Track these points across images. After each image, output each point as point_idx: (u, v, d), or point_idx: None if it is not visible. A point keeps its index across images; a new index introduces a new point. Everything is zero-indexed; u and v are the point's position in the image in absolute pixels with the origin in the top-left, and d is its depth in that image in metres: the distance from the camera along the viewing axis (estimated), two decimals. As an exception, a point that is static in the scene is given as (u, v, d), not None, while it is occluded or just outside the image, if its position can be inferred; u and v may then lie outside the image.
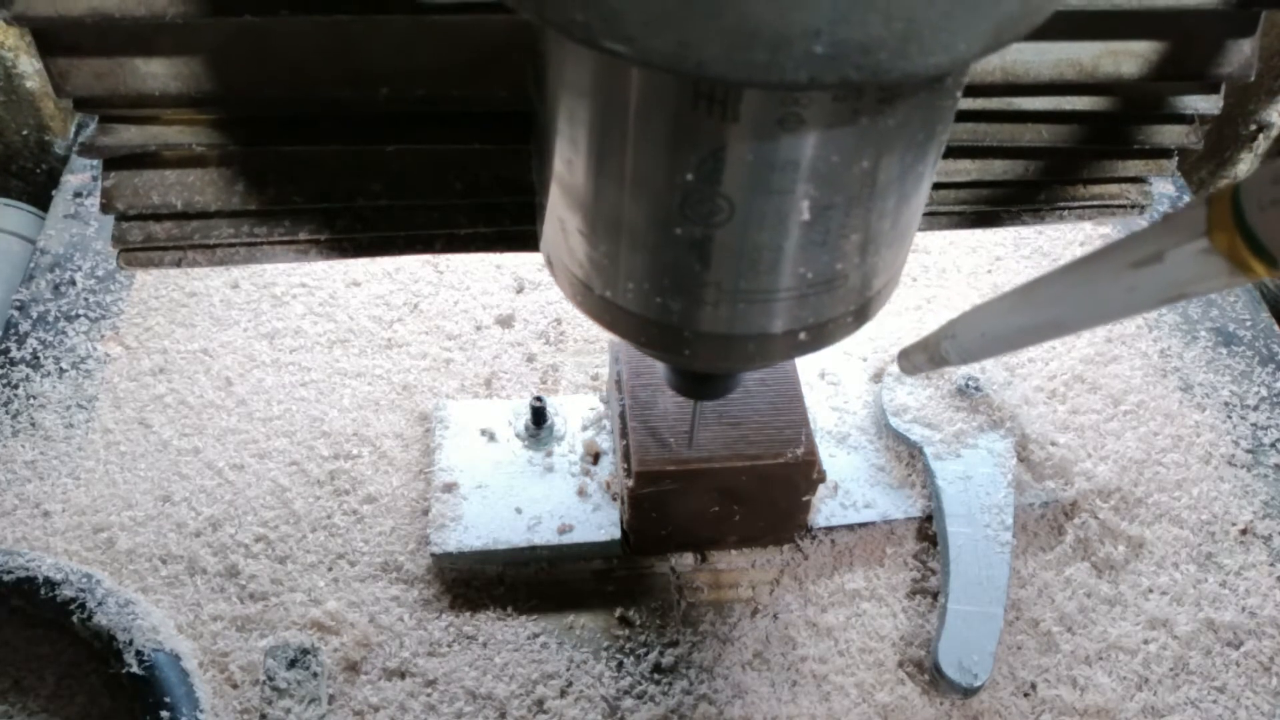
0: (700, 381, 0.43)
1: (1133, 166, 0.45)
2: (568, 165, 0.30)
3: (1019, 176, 0.44)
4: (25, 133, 0.91)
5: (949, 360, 0.55)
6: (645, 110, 0.26)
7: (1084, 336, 0.76)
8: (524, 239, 0.40)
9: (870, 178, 0.28)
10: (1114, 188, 0.46)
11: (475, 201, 0.39)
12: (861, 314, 0.34)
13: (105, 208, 0.36)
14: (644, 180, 0.28)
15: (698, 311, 0.31)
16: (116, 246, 0.38)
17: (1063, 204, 0.45)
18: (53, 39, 0.32)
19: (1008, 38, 0.23)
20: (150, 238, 0.38)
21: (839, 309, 0.32)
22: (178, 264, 0.39)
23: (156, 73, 0.33)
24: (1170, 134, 0.43)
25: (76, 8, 0.29)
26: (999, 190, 0.45)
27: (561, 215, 0.32)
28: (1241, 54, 0.39)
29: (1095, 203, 0.46)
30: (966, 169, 0.43)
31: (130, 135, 0.35)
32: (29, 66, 0.88)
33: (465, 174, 0.38)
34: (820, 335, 0.33)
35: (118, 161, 0.36)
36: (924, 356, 0.57)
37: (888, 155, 0.27)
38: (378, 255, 0.40)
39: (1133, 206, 0.46)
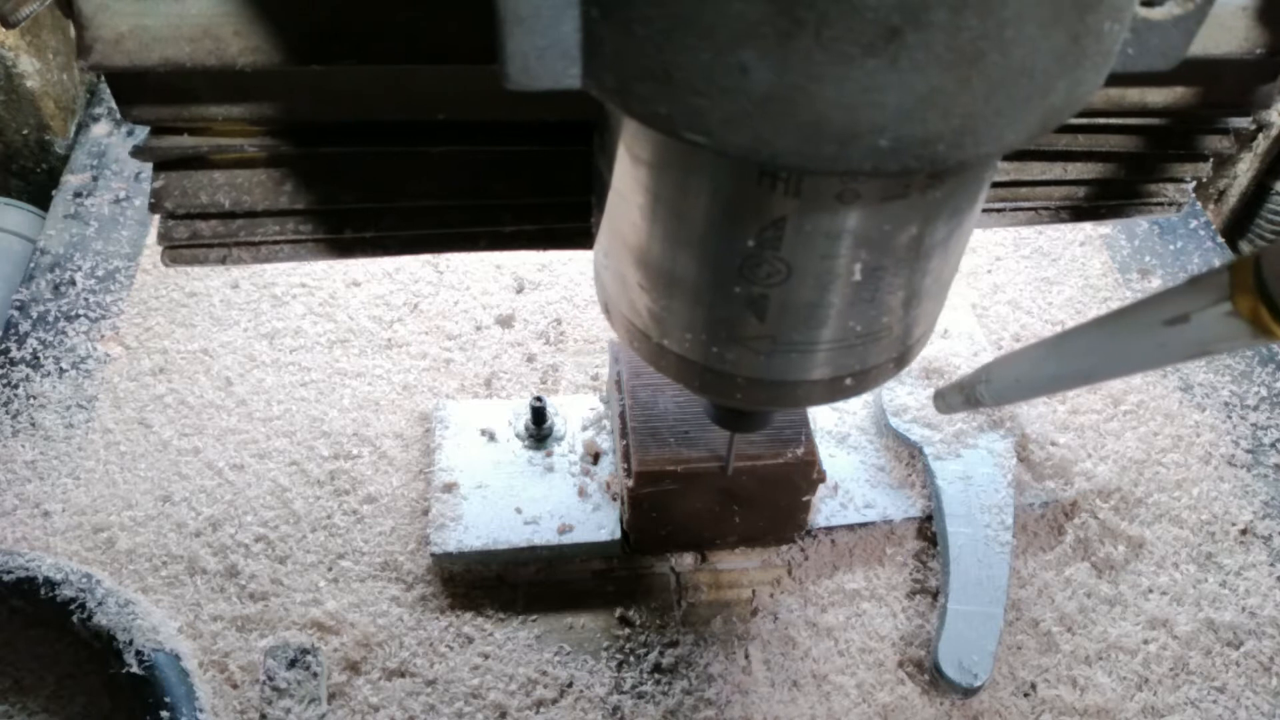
0: (742, 416, 0.45)
1: (1170, 168, 0.45)
2: (632, 227, 0.31)
3: (1056, 177, 0.44)
4: (25, 132, 0.91)
5: (984, 402, 0.56)
6: (713, 184, 0.28)
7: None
8: (569, 236, 0.40)
9: (917, 241, 0.29)
10: (1151, 185, 0.46)
11: (521, 201, 0.39)
12: (902, 360, 0.36)
13: (154, 207, 0.37)
14: (707, 244, 0.30)
15: (751, 360, 0.33)
16: (162, 244, 0.38)
17: (1101, 202, 0.45)
18: (126, 86, 0.33)
19: (1053, 124, 0.24)
20: (196, 235, 0.38)
21: (882, 356, 0.35)
22: (222, 261, 0.39)
23: (221, 103, 0.34)
24: (1207, 142, 0.44)
25: (150, 58, 0.30)
26: (1037, 189, 0.45)
27: (622, 269, 0.34)
28: (1264, 90, 0.41)
29: (1134, 200, 0.46)
30: (1004, 168, 0.43)
31: (183, 141, 0.35)
32: (29, 66, 0.87)
33: (512, 174, 0.38)
34: (864, 380, 0.35)
35: (168, 163, 0.36)
36: (960, 398, 0.59)
37: (934, 221, 0.29)
38: (421, 252, 0.41)
39: (1170, 204, 0.46)
